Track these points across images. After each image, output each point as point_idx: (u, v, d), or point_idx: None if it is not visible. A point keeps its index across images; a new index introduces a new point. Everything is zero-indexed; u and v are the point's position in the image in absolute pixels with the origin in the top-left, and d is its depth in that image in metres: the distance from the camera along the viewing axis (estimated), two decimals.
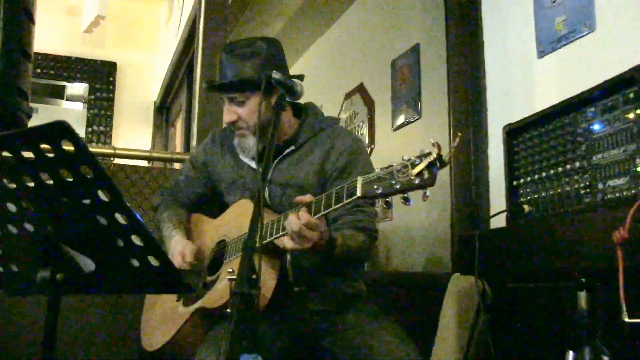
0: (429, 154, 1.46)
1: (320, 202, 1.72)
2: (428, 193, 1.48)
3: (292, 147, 2.14)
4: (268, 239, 1.87)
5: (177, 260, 2.10)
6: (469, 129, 2.95)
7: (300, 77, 2.08)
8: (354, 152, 2.13)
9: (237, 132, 2.12)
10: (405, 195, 1.52)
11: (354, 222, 2.03)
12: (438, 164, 1.45)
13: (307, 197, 1.78)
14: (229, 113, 2.09)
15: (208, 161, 2.33)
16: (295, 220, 1.73)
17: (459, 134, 1.56)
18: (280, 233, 1.84)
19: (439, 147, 1.45)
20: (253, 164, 2.14)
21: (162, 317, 2.19)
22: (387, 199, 1.55)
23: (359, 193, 1.58)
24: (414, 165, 1.48)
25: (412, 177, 1.47)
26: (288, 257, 1.91)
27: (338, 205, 1.67)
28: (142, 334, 2.28)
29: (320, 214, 1.72)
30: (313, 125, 2.18)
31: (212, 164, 2.32)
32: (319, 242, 1.78)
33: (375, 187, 1.54)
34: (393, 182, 1.51)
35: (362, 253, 2.07)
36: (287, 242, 1.79)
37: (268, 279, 1.88)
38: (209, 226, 2.30)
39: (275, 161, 2.14)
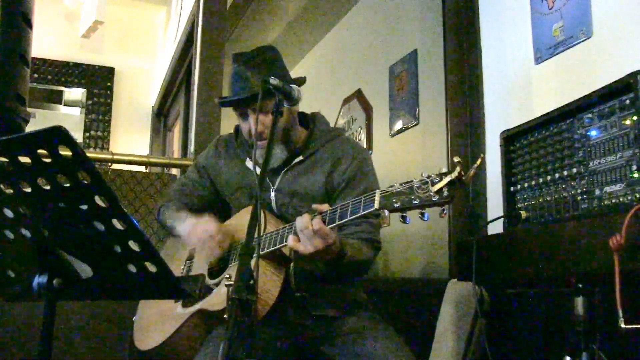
0: (450, 172, 1.48)
1: (336, 212, 1.73)
2: (446, 210, 1.51)
3: (301, 157, 2.15)
4: (273, 247, 1.88)
5: (208, 243, 2.07)
6: (466, 135, 2.96)
7: (302, 80, 2.09)
8: (361, 163, 2.15)
9: (260, 142, 2.04)
10: (423, 210, 1.54)
11: (359, 233, 2.04)
12: (458, 183, 1.47)
13: (325, 206, 1.79)
14: (259, 124, 2.02)
15: (210, 168, 2.33)
16: (307, 224, 1.74)
17: (482, 155, 1.58)
18: (285, 243, 1.84)
19: (462, 167, 1.46)
20: (259, 172, 2.14)
21: (159, 316, 2.18)
22: (404, 214, 1.57)
23: (376, 205, 1.61)
24: (433, 183, 1.50)
25: (432, 194, 1.50)
26: (292, 265, 1.92)
27: (354, 217, 1.69)
28: (136, 333, 2.26)
29: (334, 224, 1.73)
30: (322, 135, 2.20)
31: (215, 171, 2.32)
32: (326, 251, 1.78)
33: (394, 200, 1.57)
34: (412, 197, 1.53)
35: (366, 264, 2.09)
36: (290, 241, 1.80)
37: (272, 286, 1.88)
38: None
39: (283, 170, 2.15)
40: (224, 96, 2.18)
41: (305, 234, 1.74)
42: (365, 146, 4.64)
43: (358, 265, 2.01)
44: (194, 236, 2.13)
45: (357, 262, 1.97)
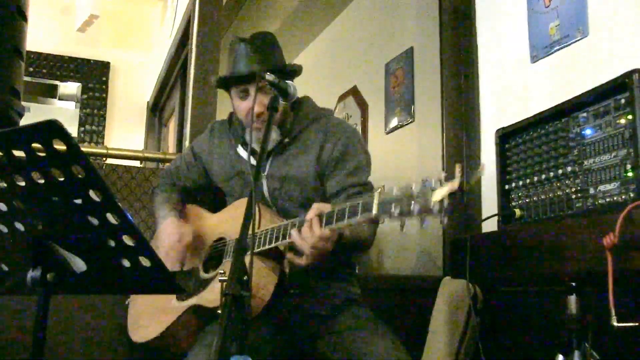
0: (451, 179, 1.41)
1: (333, 216, 1.72)
2: (445, 220, 1.45)
3: (287, 140, 2.14)
4: (269, 245, 1.87)
5: (172, 239, 2.12)
6: (461, 133, 2.96)
7: (299, 68, 2.15)
8: (348, 141, 2.14)
9: (258, 125, 2.06)
10: (422, 219, 1.49)
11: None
12: (459, 193, 1.41)
13: (314, 208, 1.78)
14: (259, 105, 2.01)
15: (204, 154, 2.34)
16: (309, 235, 1.74)
17: (483, 163, 1.51)
18: (282, 240, 1.84)
19: (464, 175, 1.41)
20: (252, 160, 2.14)
21: (154, 309, 2.17)
22: (402, 222, 1.51)
23: (374, 212, 1.55)
24: (433, 190, 1.43)
25: (431, 203, 1.42)
26: (286, 262, 1.92)
27: (351, 221, 1.65)
28: (131, 324, 2.26)
29: (331, 226, 1.72)
30: (306, 116, 2.19)
31: (209, 158, 2.32)
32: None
33: (393, 207, 1.50)
34: (411, 205, 1.46)
35: (366, 242, 2.08)
36: (303, 260, 1.80)
37: (267, 283, 1.88)
38: (208, 221, 2.29)
39: (272, 156, 2.14)
40: (223, 75, 2.17)
41: (316, 247, 1.75)
42: None
43: (356, 242, 2.00)
44: (162, 238, 2.17)
45: (356, 238, 1.96)
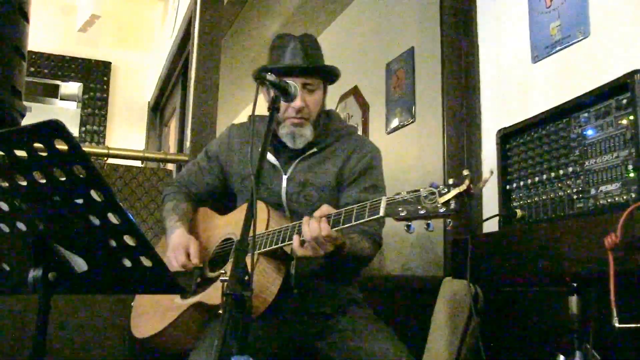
0: (459, 184, 1.48)
1: (340, 216, 1.75)
2: (452, 222, 1.51)
3: (315, 149, 2.17)
4: (276, 245, 1.88)
5: (180, 258, 2.09)
6: (462, 133, 2.96)
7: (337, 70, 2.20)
8: (371, 160, 2.21)
9: (296, 120, 2.12)
10: (428, 221, 1.54)
11: (362, 228, 2.05)
12: (466, 196, 1.46)
13: (324, 208, 1.80)
14: (300, 100, 2.07)
15: (222, 154, 2.34)
16: (316, 228, 1.75)
17: (492, 170, 1.56)
18: (288, 242, 1.85)
19: (471, 180, 1.46)
20: (272, 159, 2.18)
21: (157, 305, 2.18)
22: (409, 223, 1.57)
23: (381, 213, 1.62)
24: (441, 194, 1.49)
25: (439, 205, 1.49)
26: (293, 264, 1.93)
27: (358, 222, 1.70)
28: (134, 320, 2.27)
29: (338, 227, 1.74)
30: (337, 130, 2.26)
31: (227, 158, 2.33)
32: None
33: (400, 209, 1.57)
34: (419, 207, 1.53)
35: (366, 259, 2.11)
36: (299, 250, 1.81)
37: (272, 284, 1.89)
38: (218, 221, 2.30)
39: (297, 160, 2.16)
40: (273, 65, 2.16)
41: (318, 241, 1.76)
42: None
43: (356, 258, 2.02)
44: (171, 247, 2.15)
45: (356, 254, 1.98)
